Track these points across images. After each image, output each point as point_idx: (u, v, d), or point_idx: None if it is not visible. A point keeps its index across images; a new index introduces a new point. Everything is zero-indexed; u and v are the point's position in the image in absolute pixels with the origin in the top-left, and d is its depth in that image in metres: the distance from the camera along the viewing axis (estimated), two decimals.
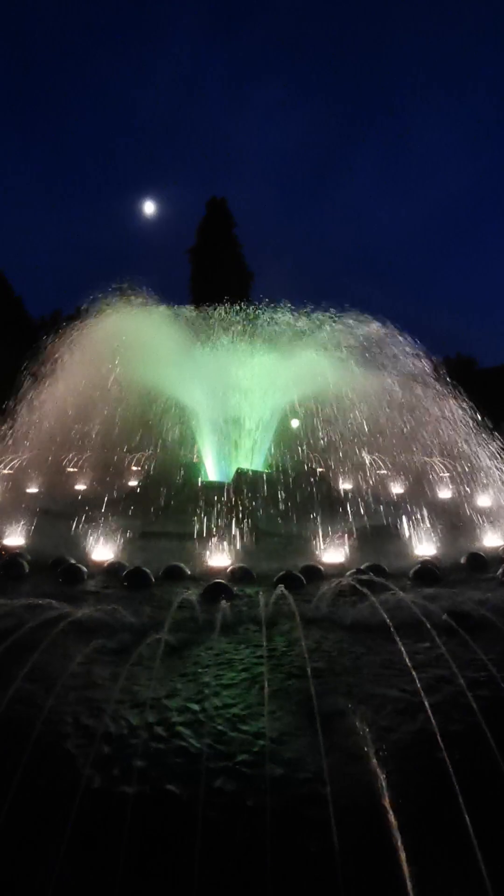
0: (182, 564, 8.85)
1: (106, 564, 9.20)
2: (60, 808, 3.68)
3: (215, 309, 18.63)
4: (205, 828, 3.55)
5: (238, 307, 18.61)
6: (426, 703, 4.61)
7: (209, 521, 11.30)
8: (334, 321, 17.30)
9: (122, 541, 10.38)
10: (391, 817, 3.57)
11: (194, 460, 16.64)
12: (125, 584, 8.32)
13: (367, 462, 17.99)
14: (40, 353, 16.46)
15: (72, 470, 19.52)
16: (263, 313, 18.27)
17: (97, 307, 17.06)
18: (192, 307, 19.19)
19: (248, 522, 12.10)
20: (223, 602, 7.01)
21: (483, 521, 11.93)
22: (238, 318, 18.38)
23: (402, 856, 3.37)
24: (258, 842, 3.48)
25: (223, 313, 18.41)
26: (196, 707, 4.81)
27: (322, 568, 8.94)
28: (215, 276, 48.75)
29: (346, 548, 10.18)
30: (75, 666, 5.34)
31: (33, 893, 3.35)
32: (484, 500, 14.77)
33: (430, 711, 4.52)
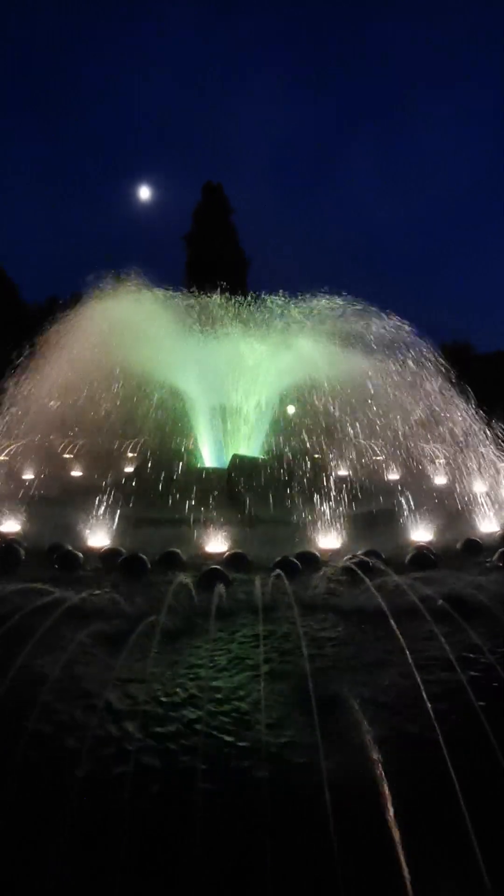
0: (178, 551, 8.84)
1: (102, 551, 9.20)
2: (57, 794, 3.70)
3: (210, 295, 18.56)
4: (203, 814, 3.57)
5: (233, 295, 18.54)
6: (422, 687, 4.63)
7: (205, 507, 11.30)
8: (331, 309, 17.25)
9: (118, 527, 10.38)
10: (385, 794, 3.58)
11: (190, 447, 16.62)
12: (121, 570, 8.32)
13: (363, 448, 17.99)
14: (36, 339, 16.38)
15: (67, 456, 19.49)
16: (259, 301, 18.22)
17: (92, 293, 16.98)
18: (187, 293, 19.10)
19: (244, 509, 12.11)
20: (219, 588, 7.01)
21: (479, 507, 11.95)
22: (233, 304, 18.32)
23: (397, 831, 3.38)
24: (255, 818, 3.50)
25: (218, 299, 18.34)
26: (192, 691, 4.83)
27: (318, 554, 8.96)
28: (211, 262, 48.45)
29: (343, 534, 10.20)
30: (71, 651, 5.35)
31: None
32: (480, 486, 14.79)
33: (424, 694, 4.54)
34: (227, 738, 4.22)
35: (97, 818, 3.63)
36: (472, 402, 15.92)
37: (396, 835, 3.36)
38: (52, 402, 15.89)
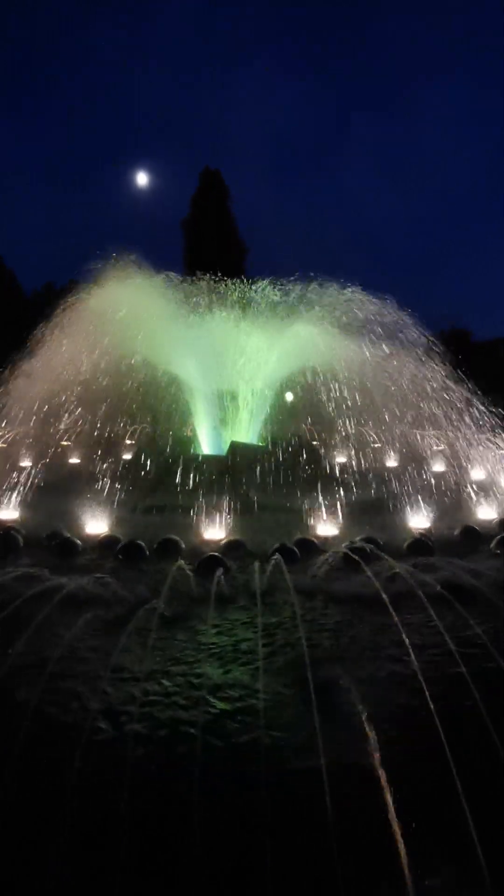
0: (176, 538, 8.85)
1: (100, 538, 9.21)
2: (58, 774, 3.72)
3: (208, 282, 18.48)
4: (201, 793, 3.60)
5: (232, 281, 18.47)
6: (418, 672, 4.65)
7: (203, 494, 11.29)
8: (330, 297, 17.18)
9: (116, 514, 10.38)
10: (380, 773, 3.61)
11: (188, 434, 16.60)
12: (119, 557, 8.34)
13: (362, 435, 17.98)
14: (34, 326, 16.31)
15: (65, 443, 19.44)
16: (257, 288, 18.15)
17: (90, 279, 16.89)
18: (185, 279, 19.02)
19: (242, 496, 12.10)
20: (218, 575, 7.03)
21: (477, 495, 11.97)
22: (232, 291, 18.25)
23: (392, 806, 3.41)
24: (254, 798, 3.54)
25: (216, 286, 18.27)
26: (190, 677, 4.85)
27: (316, 541, 8.97)
28: (209, 248, 48.20)
29: (341, 521, 10.21)
30: (69, 637, 5.37)
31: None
32: (478, 474, 14.80)
33: (421, 676, 4.57)
34: (224, 729, 4.26)
35: (99, 789, 3.66)
36: (471, 388, 15.89)
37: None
38: (48, 390, 15.83)
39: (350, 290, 17.08)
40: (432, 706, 4.22)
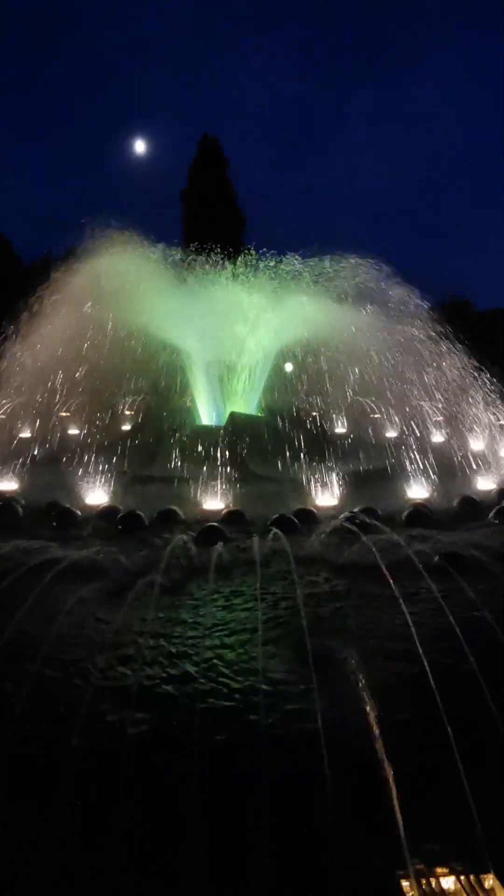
0: (176, 508, 8.88)
1: (100, 508, 9.23)
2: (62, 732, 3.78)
3: (207, 252, 18.26)
4: (201, 759, 3.66)
5: (229, 250, 18.25)
6: (415, 638, 4.69)
7: (203, 465, 11.30)
8: (330, 264, 17.00)
9: (115, 485, 10.40)
10: (377, 738, 3.66)
11: (188, 404, 16.54)
12: (119, 527, 8.36)
13: (361, 406, 17.95)
14: (31, 296, 16.16)
15: (64, 414, 19.40)
16: (256, 258, 17.94)
17: (87, 249, 16.69)
18: (183, 249, 18.81)
19: (242, 466, 12.11)
20: (218, 545, 7.06)
21: (475, 465, 11.99)
22: (230, 261, 18.04)
23: (390, 773, 3.46)
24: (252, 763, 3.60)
25: (214, 256, 18.05)
26: (191, 644, 4.91)
27: (316, 511, 9.01)
28: (207, 218, 47.57)
29: (340, 491, 10.23)
30: (71, 607, 5.41)
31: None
32: (477, 444, 14.80)
33: (418, 643, 4.61)
34: (226, 688, 4.32)
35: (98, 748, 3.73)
36: (471, 358, 15.81)
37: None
38: (47, 361, 15.74)
39: (353, 258, 16.91)
40: (428, 669, 4.27)
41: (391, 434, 17.22)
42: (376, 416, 18.35)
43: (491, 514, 8.88)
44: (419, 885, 3.18)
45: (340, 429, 17.35)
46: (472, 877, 3.25)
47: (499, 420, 15.33)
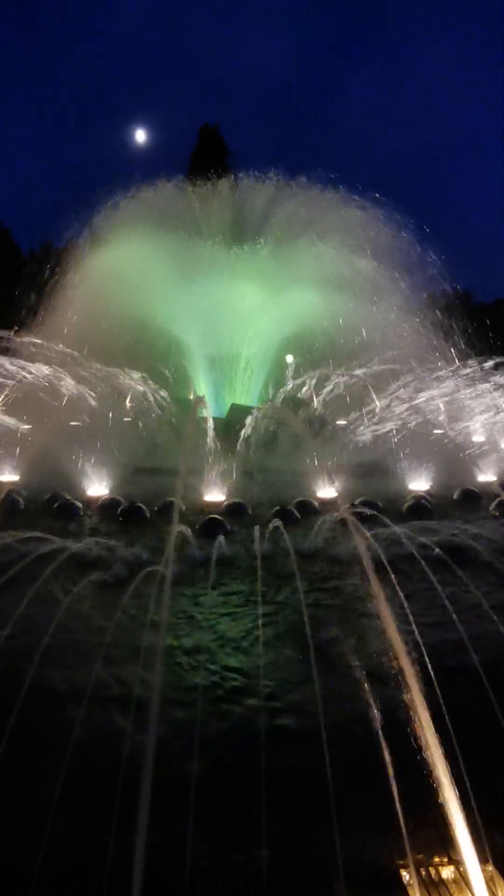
0: (177, 500, 8.87)
1: (101, 500, 9.24)
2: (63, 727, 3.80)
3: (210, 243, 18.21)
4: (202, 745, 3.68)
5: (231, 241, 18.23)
6: (416, 630, 4.70)
7: (204, 456, 11.29)
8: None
9: (117, 477, 10.40)
10: (376, 724, 3.67)
11: (189, 396, 16.54)
12: (121, 519, 8.38)
13: (363, 397, 17.90)
14: (33, 284, 16.15)
15: (65, 405, 19.35)
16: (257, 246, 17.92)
17: (90, 238, 16.68)
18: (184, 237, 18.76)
19: (242, 457, 12.10)
20: (219, 537, 7.07)
21: (476, 458, 11.97)
22: (232, 251, 18.00)
23: (388, 755, 3.47)
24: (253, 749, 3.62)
25: (215, 246, 18.01)
26: (193, 635, 4.92)
27: (316, 503, 9.00)
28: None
29: (340, 482, 10.22)
30: (73, 598, 5.42)
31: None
32: (478, 436, 14.77)
33: (418, 635, 4.62)
34: (229, 682, 4.33)
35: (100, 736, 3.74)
36: (472, 349, 15.79)
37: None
38: (49, 350, 15.72)
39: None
40: (428, 662, 4.28)
41: (393, 426, 17.19)
42: (378, 407, 18.32)
43: (491, 507, 8.89)
44: (418, 874, 3.19)
45: (341, 420, 17.30)
46: None
47: (501, 411, 15.28)
